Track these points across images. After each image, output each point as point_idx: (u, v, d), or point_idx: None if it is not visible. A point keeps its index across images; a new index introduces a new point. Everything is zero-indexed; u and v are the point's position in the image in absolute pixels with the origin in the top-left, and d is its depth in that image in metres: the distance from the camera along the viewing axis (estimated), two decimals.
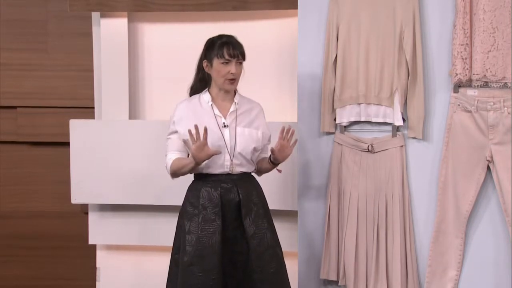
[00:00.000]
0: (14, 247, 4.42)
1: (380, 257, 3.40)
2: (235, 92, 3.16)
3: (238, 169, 3.08)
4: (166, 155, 3.14)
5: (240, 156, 3.07)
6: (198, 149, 2.93)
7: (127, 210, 4.07)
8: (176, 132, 3.10)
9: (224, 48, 3.04)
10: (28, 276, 4.42)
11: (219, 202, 3.03)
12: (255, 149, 3.11)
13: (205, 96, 3.13)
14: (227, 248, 3.03)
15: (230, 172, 3.06)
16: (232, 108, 3.11)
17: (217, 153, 2.98)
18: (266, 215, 3.12)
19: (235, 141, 3.06)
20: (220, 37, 3.09)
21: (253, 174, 3.20)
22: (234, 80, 3.07)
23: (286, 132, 3.05)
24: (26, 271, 4.43)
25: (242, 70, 3.11)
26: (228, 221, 3.04)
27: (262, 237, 3.06)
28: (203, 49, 3.13)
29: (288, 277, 3.14)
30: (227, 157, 3.05)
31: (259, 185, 3.18)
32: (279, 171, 3.25)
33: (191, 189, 3.13)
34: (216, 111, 3.09)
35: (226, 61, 3.04)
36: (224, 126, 3.07)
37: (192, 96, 3.17)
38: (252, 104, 3.19)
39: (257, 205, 3.10)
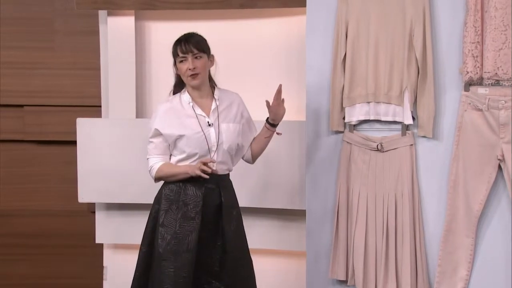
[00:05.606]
0: (21, 245, 4.41)
1: (389, 256, 3.38)
2: (214, 87, 3.15)
3: (221, 167, 3.08)
4: (148, 158, 3.13)
5: (226, 153, 3.07)
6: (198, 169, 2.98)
7: (134, 209, 4.06)
8: (159, 135, 3.08)
9: (177, 47, 3.06)
10: (34, 275, 4.42)
11: (201, 201, 3.03)
12: (238, 145, 3.12)
13: (185, 96, 3.11)
14: (202, 248, 3.02)
15: (213, 171, 3.04)
16: (213, 106, 3.10)
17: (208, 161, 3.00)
18: (240, 217, 3.16)
19: (219, 138, 3.05)
20: (179, 38, 3.10)
21: (246, 163, 3.26)
22: (196, 75, 3.05)
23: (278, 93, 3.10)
24: (33, 269, 4.42)
25: (212, 62, 3.11)
26: (205, 222, 3.03)
27: (242, 242, 3.13)
28: None
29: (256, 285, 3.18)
30: (213, 155, 3.05)
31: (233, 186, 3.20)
32: (279, 133, 3.24)
33: (170, 181, 3.10)
34: (199, 111, 3.08)
35: (182, 59, 3.04)
36: (209, 125, 3.06)
37: (173, 96, 3.15)
38: (231, 97, 3.17)
39: (236, 208, 3.13)
